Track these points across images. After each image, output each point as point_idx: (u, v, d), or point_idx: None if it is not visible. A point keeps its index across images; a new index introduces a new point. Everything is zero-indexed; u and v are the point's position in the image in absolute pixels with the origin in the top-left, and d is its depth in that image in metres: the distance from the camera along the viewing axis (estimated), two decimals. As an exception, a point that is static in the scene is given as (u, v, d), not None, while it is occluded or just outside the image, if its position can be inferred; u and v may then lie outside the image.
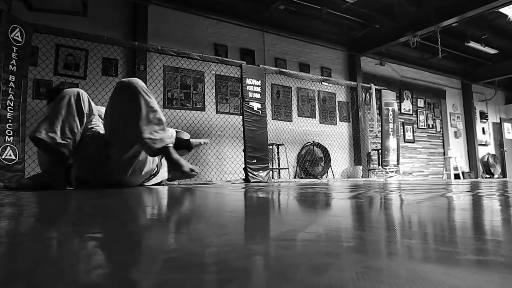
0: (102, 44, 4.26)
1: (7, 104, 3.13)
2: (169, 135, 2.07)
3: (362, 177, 7.18)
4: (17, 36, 3.26)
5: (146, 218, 0.73)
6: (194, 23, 6.16)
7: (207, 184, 3.40)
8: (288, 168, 6.60)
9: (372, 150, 7.50)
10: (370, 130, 7.58)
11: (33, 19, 3.72)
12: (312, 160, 7.05)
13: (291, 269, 0.26)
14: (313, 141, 7.18)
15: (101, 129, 2.09)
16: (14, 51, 3.22)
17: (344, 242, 0.39)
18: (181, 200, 1.22)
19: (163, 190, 1.70)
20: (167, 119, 5.30)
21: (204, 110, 6.02)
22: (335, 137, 7.41)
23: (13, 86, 3.19)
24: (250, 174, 4.53)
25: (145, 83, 5.47)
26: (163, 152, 1.94)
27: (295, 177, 6.82)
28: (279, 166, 6.45)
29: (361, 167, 7.43)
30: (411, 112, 9.27)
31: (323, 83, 6.29)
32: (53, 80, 4.82)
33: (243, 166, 4.68)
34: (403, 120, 8.88)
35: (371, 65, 8.47)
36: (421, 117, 9.54)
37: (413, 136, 9.26)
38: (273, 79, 6.62)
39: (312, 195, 1.23)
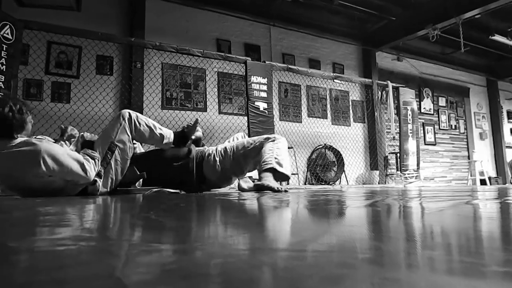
0: (97, 40, 4.32)
1: (-4, 105, 3.18)
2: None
3: (379, 183, 7.14)
4: (7, 34, 3.32)
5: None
6: (194, 17, 6.21)
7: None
8: (297, 174, 6.59)
9: (389, 153, 7.46)
10: (387, 132, 7.55)
11: (24, 15, 3.79)
12: (324, 164, 7.04)
13: (304, 280, 0.27)
14: (325, 144, 7.17)
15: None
16: (4, 49, 3.28)
17: (359, 253, 0.40)
18: (178, 207, 1.23)
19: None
20: (166, 120, 5.34)
21: (206, 111, 6.05)
22: (349, 139, 7.38)
23: (2, 87, 3.24)
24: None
25: (142, 82, 5.53)
26: None
27: (305, 183, 6.80)
28: (287, 171, 6.44)
29: (377, 172, 7.39)
30: (432, 112, 9.22)
31: (335, 80, 6.29)
32: (44, 79, 4.90)
33: (248, 171, 4.68)
34: (423, 121, 8.83)
35: (387, 61, 8.45)
36: (443, 117, 9.48)
37: (435, 138, 9.19)
38: (281, 76, 6.64)
39: (325, 203, 1.23)
